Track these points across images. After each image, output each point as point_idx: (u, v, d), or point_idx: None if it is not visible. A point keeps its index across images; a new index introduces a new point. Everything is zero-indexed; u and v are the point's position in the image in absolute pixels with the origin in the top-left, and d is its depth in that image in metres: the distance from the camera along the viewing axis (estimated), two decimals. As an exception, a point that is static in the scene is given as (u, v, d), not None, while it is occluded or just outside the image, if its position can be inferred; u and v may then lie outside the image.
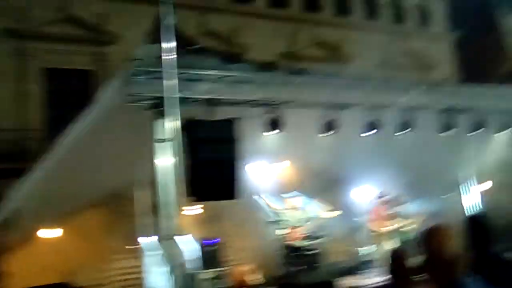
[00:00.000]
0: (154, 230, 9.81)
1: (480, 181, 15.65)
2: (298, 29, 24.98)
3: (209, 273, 13.01)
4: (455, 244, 2.56)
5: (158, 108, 8.98)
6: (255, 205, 14.73)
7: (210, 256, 13.64)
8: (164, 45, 8.41)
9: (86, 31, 19.05)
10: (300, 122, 10.51)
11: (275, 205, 13.62)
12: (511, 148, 14.25)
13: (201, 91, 9.44)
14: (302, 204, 11.87)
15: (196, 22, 21.44)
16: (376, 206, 12.69)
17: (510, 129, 13.16)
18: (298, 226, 11.28)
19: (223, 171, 8.86)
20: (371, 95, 11.54)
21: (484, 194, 15.63)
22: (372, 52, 26.01)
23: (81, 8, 19.83)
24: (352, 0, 27.55)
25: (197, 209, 13.66)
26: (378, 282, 10.41)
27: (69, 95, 18.78)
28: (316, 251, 13.59)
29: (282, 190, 12.35)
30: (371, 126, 11.41)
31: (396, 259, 4.82)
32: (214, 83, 9.66)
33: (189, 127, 8.83)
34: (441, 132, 12.15)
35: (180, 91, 8.95)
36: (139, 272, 11.87)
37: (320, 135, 11.10)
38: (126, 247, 13.03)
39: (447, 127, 12.15)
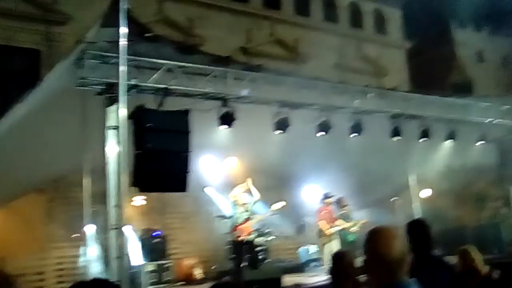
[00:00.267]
0: (100, 219, 9.58)
1: (423, 187, 16.06)
2: (256, 25, 24.91)
3: (153, 265, 12.83)
4: (398, 246, 2.55)
5: (109, 94, 8.76)
6: (203, 198, 14.65)
7: (155, 248, 13.46)
8: (118, 30, 8.18)
9: (37, 9, 18.41)
10: (253, 118, 10.47)
11: (223, 199, 13.57)
12: (454, 157, 14.64)
13: (154, 79, 9.27)
14: (250, 200, 11.83)
15: (153, 9, 21.08)
16: (322, 206, 12.78)
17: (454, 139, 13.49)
18: (246, 222, 11.24)
19: (171, 162, 8.71)
20: (325, 96, 11.63)
21: (425, 199, 16.05)
22: (328, 54, 26.25)
23: (34, -15, 19.21)
24: (312, 0, 27.71)
25: (143, 199, 13.44)
26: (322, 281, 10.50)
27: (15, 74, 18.12)
28: (263, 247, 13.61)
29: (231, 185, 12.28)
30: (323, 127, 11.49)
31: (339, 259, 4.84)
32: (168, 72, 9.50)
33: (139, 116, 8.64)
34: (391, 137, 12.36)
35: (132, 78, 8.77)
36: (81, 262, 11.56)
37: (272, 132, 11.09)
38: (72, 235, 12.69)
39: (396, 133, 12.36)
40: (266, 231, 13.96)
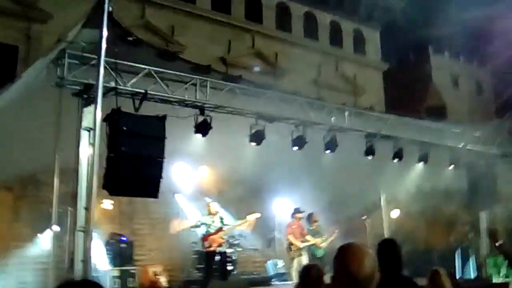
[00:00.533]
0: (67, 220, 9.44)
1: (393, 207, 16.23)
2: (237, 37, 25.00)
3: (118, 270, 12.67)
4: (368, 263, 2.57)
5: (86, 95, 8.68)
6: (173, 206, 14.55)
7: (121, 253, 13.29)
8: (100, 31, 8.11)
9: (18, 5, 18.19)
10: (228, 129, 10.47)
11: (194, 208, 13.50)
12: (425, 180, 14.83)
13: (132, 83, 9.21)
14: (220, 210, 11.79)
15: (135, 14, 21.00)
16: (292, 221, 12.81)
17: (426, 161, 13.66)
18: (215, 233, 11.18)
19: (144, 167, 8.63)
20: (302, 111, 11.69)
21: (395, 220, 16.21)
22: (307, 70, 26.46)
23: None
24: (293, 16, 27.93)
25: (112, 203, 13.28)
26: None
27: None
28: (231, 259, 13.56)
29: (203, 194, 12.25)
30: (298, 141, 11.53)
31: (308, 272, 4.85)
32: (146, 77, 9.45)
33: (115, 119, 8.55)
34: (364, 156, 12.46)
35: (110, 80, 8.70)
36: (46, 262, 11.33)
37: (247, 144, 11.10)
38: (37, 235, 12.47)
39: (370, 152, 12.47)
40: (236, 242, 13.92)
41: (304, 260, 12.07)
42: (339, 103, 13.35)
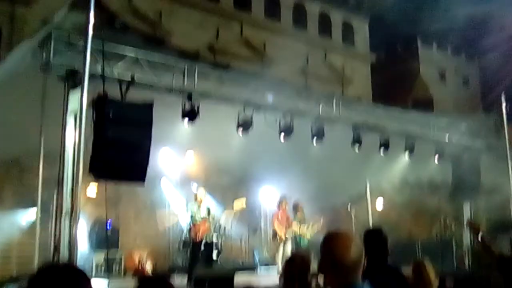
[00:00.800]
0: (52, 205, 9.37)
1: (378, 198, 16.34)
2: (225, 24, 24.91)
3: (103, 255, 12.64)
4: (354, 250, 2.58)
5: (72, 79, 8.59)
6: (159, 192, 14.52)
7: (105, 238, 13.25)
8: (86, 16, 8.01)
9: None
10: (216, 116, 10.44)
11: (180, 196, 13.48)
12: (411, 171, 14.92)
13: (119, 69, 9.13)
14: (207, 198, 11.77)
15: (122, 0, 20.86)
16: (278, 209, 12.82)
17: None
18: (201, 220, 11.16)
19: (131, 153, 8.56)
20: (289, 100, 11.69)
21: (379, 210, 16.32)
22: (294, 59, 26.43)
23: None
24: (282, 5, 27.85)
25: (97, 188, 13.20)
26: (273, 283, 10.52)
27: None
28: (217, 246, 13.57)
29: (189, 182, 12.22)
30: (285, 130, 11.53)
31: (292, 263, 4.85)
32: (134, 63, 9.38)
33: (101, 104, 8.47)
34: (351, 146, 12.49)
35: (97, 65, 8.61)
36: (30, 248, 11.25)
37: (234, 132, 11.08)
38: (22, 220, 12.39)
39: (357, 142, 12.51)
40: (222, 230, 13.93)
41: (289, 248, 12.10)
42: (327, 93, 13.35)
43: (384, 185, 15.98)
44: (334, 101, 12.54)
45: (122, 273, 12.93)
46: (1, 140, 10.06)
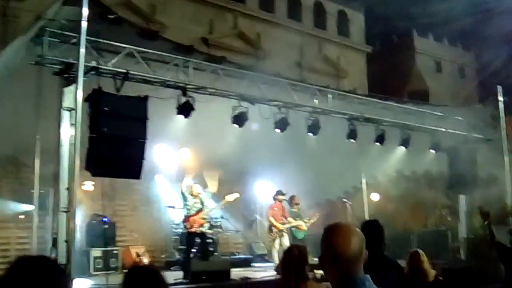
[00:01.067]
0: (49, 200, 9.35)
1: (374, 190, 16.35)
2: (219, 17, 24.83)
3: (100, 251, 12.63)
4: (356, 243, 2.57)
5: (66, 74, 8.54)
6: (154, 187, 14.50)
7: (103, 234, 13.22)
8: (80, 9, 7.96)
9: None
10: (211, 110, 10.40)
11: (176, 189, 13.44)
12: (406, 163, 14.94)
13: (114, 63, 9.08)
14: (202, 192, 11.76)
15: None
16: (274, 203, 12.83)
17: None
18: (198, 213, 11.16)
19: (127, 148, 8.55)
20: (284, 93, 11.65)
21: (375, 203, 16.34)
22: (289, 52, 26.38)
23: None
24: (277, -3, 27.83)
25: (93, 184, 13.18)
26: (269, 276, 10.54)
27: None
28: (213, 240, 13.57)
29: (185, 176, 12.18)
30: (281, 124, 11.51)
31: (291, 254, 4.85)
32: (128, 57, 9.32)
33: (96, 99, 8.45)
34: (346, 139, 12.49)
35: (91, 60, 8.57)
36: (27, 243, 11.22)
37: (229, 126, 11.05)
38: (19, 216, 12.34)
39: (352, 135, 12.50)
40: (218, 223, 13.93)
41: (285, 241, 12.11)
42: (322, 86, 13.31)
43: (380, 178, 16.00)
44: (330, 94, 12.51)
45: (120, 268, 12.91)
46: (2, 136, 10.01)
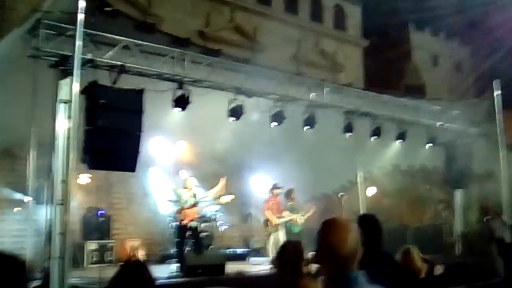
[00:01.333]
0: (44, 193, 9.32)
1: (370, 185, 16.35)
2: (216, 10, 24.71)
3: (96, 244, 12.63)
4: (352, 239, 2.56)
5: (62, 67, 8.49)
6: (150, 180, 14.48)
7: (98, 227, 13.24)
8: (76, 1, 7.91)
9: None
10: (207, 103, 10.36)
11: (171, 183, 13.43)
12: (402, 158, 14.93)
13: (110, 55, 9.03)
14: (198, 185, 11.75)
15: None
16: (270, 197, 12.83)
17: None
18: (192, 207, 11.16)
19: (122, 141, 8.53)
20: (281, 87, 11.62)
21: (371, 197, 16.35)
22: (286, 45, 26.30)
23: None
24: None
25: (89, 177, 13.16)
26: (265, 270, 10.55)
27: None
28: (207, 234, 13.58)
29: (180, 169, 12.17)
30: (277, 117, 11.48)
31: (287, 249, 4.84)
32: (124, 49, 9.28)
33: (92, 91, 8.42)
34: (343, 133, 12.47)
35: (87, 52, 8.52)
36: (23, 236, 11.20)
37: (226, 119, 11.02)
38: (14, 209, 12.33)
39: (348, 129, 12.49)
40: (213, 217, 13.92)
41: (281, 235, 12.13)
42: (318, 79, 13.28)
43: (376, 172, 16.00)
44: (326, 87, 12.48)
45: (114, 261, 12.91)
46: None
